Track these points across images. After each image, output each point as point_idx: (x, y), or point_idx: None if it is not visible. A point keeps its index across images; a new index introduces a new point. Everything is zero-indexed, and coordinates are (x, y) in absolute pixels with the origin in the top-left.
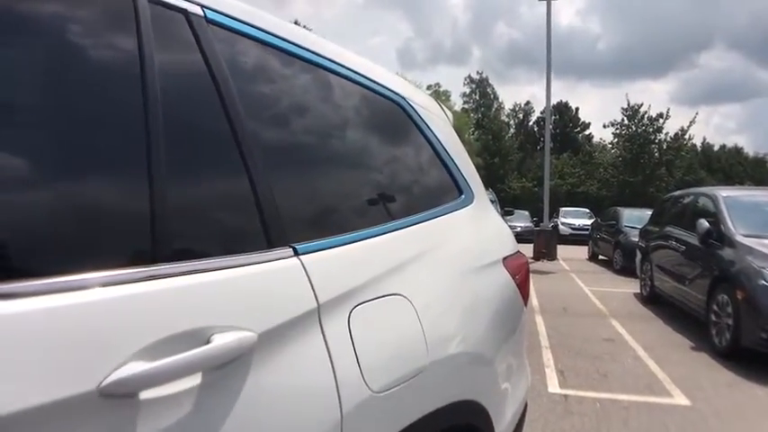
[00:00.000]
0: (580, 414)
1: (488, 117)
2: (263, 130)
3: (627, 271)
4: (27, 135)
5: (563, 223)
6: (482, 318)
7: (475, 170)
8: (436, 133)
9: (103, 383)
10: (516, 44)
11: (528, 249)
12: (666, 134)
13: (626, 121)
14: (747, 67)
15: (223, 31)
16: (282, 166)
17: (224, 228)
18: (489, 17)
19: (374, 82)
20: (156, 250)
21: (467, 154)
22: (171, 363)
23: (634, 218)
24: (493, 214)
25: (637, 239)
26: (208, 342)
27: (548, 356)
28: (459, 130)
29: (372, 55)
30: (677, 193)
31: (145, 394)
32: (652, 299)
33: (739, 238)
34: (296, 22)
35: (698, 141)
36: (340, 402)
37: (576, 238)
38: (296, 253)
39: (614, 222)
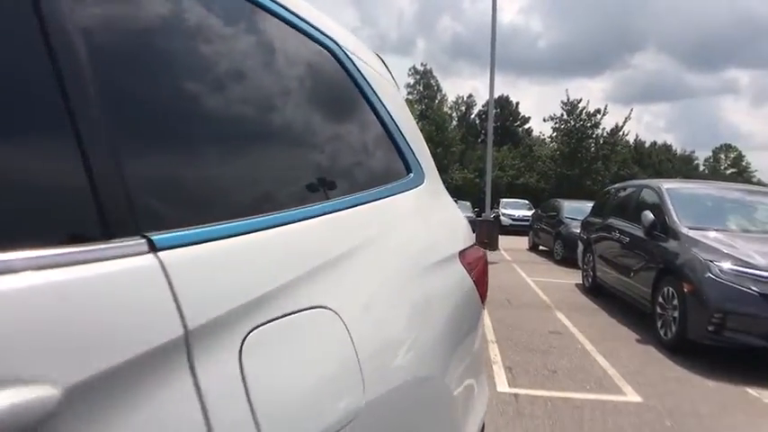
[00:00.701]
0: (532, 416)
1: (432, 108)
2: (112, 69)
3: (567, 261)
4: None
5: (504, 214)
6: (434, 332)
7: (425, 146)
8: (378, 93)
9: None
10: (460, 38)
11: None
12: (603, 129)
13: (565, 116)
14: (678, 71)
15: None
16: (139, 119)
17: (12, 202)
18: (434, 10)
19: (295, 15)
20: None
21: (417, 127)
22: None
23: (575, 209)
24: (447, 198)
25: (578, 231)
26: None
27: (495, 351)
28: None
29: None
30: (619, 184)
31: None
32: (594, 290)
33: (684, 231)
34: None
35: (631, 138)
36: None
37: (516, 229)
38: (152, 247)
39: (555, 214)
